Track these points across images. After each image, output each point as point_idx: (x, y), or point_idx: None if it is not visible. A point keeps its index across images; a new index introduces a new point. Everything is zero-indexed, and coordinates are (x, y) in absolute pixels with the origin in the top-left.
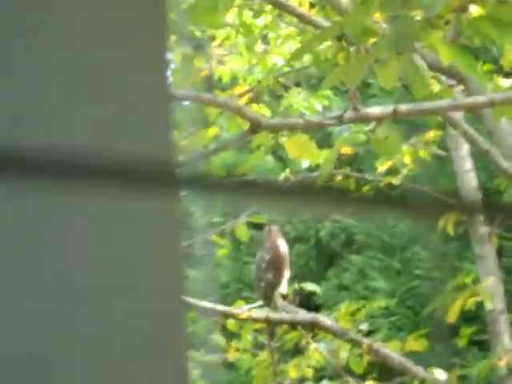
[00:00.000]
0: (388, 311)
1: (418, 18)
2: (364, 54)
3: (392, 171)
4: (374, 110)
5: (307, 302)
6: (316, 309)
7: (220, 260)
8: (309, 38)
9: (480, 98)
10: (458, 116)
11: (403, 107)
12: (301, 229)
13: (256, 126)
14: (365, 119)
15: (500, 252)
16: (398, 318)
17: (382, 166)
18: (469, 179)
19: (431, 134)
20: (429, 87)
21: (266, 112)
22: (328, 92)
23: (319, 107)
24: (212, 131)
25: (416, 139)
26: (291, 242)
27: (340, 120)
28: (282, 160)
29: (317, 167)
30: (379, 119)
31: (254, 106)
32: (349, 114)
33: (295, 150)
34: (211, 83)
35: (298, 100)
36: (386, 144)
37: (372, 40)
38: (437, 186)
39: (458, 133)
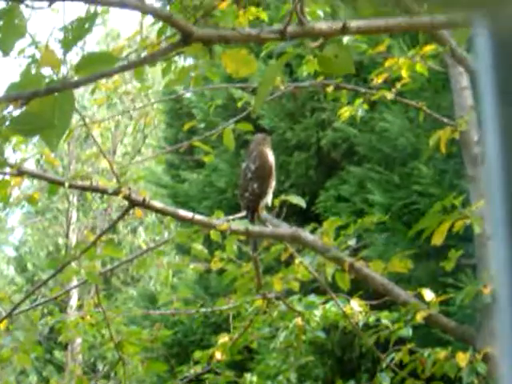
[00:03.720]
0: (384, 226)
1: None
2: None
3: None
4: (321, 24)
5: (305, 212)
6: (314, 219)
7: (218, 165)
8: None
9: (440, 18)
10: (447, 33)
11: (354, 23)
12: (302, 136)
13: (188, 37)
14: (310, 34)
15: None
16: (393, 233)
17: (378, 78)
18: (464, 97)
19: (428, 48)
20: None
21: (264, 16)
22: None
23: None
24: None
25: (413, 52)
26: (291, 150)
27: (282, 34)
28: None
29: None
30: (327, 35)
31: (253, 10)
32: (292, 28)
33: (233, 64)
34: None
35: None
36: (336, 63)
37: None
38: (436, 102)
39: (444, 51)
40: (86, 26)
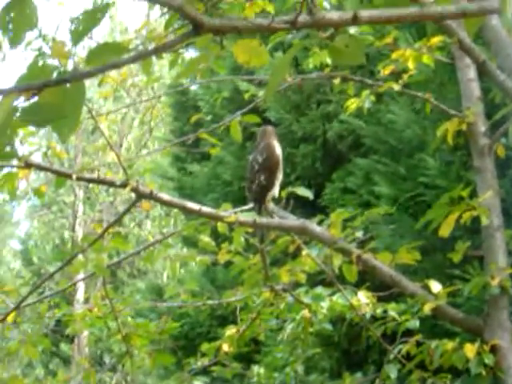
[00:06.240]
0: (391, 218)
1: None
2: None
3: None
4: (332, 14)
5: (311, 204)
6: (320, 211)
7: (224, 157)
8: None
9: (450, 8)
10: (455, 25)
11: (365, 13)
12: (308, 128)
13: (199, 27)
14: (321, 25)
15: (508, 164)
16: (399, 225)
17: (385, 70)
18: (471, 88)
19: (435, 40)
20: None
21: (271, 9)
22: None
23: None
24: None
25: (420, 44)
26: (297, 142)
27: (293, 24)
28: None
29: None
30: (338, 25)
31: (259, 2)
32: (303, 18)
33: (244, 55)
34: None
35: None
36: (347, 53)
37: None
38: (442, 94)
39: (453, 41)
40: (98, 16)
